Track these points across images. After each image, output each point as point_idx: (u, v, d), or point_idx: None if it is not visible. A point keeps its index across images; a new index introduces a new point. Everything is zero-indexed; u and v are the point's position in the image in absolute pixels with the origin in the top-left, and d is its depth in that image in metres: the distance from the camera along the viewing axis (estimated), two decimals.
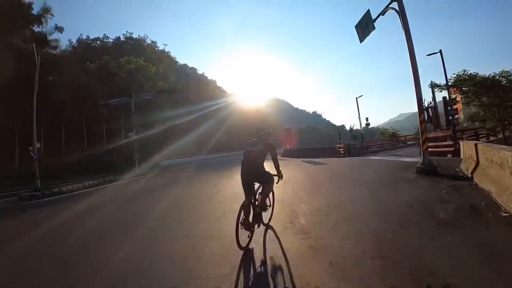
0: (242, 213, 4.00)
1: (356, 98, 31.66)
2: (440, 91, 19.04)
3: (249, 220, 4.07)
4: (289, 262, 3.32)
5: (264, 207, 4.53)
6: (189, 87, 61.14)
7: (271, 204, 5.07)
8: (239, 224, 3.89)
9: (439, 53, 19.43)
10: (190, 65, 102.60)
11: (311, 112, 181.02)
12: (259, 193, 4.46)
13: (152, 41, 79.26)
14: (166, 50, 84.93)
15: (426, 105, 17.11)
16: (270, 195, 4.86)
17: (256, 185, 4.46)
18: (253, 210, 4.26)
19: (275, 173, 4.39)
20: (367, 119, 30.30)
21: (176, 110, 43.40)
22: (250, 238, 4.11)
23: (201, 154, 41.01)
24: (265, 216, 4.71)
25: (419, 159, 9.58)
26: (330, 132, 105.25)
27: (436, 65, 21.43)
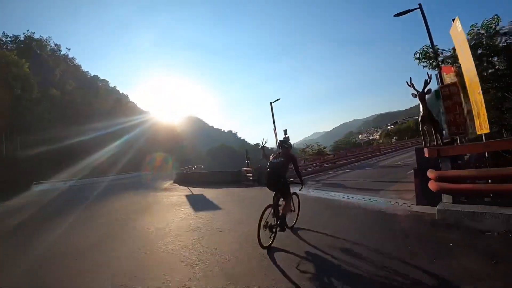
0: (265, 215, 4.43)
1: (271, 103, 24.47)
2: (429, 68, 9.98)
3: (272, 223, 4.51)
4: None
5: (286, 211, 4.79)
6: (97, 100, 55.23)
7: (296, 209, 5.44)
8: (261, 225, 4.30)
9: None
10: (102, 77, 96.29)
11: (226, 130, 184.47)
12: (282, 200, 4.81)
13: (56, 44, 75.53)
14: (70, 56, 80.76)
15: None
16: (296, 200, 5.40)
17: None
18: (278, 214, 4.67)
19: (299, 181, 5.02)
20: (285, 131, 21.51)
21: (77, 125, 38.39)
22: (273, 238, 4.50)
23: (108, 174, 36.93)
24: (290, 220, 5.15)
25: (409, 205, 6.13)
26: (242, 151, 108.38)
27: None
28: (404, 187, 8.10)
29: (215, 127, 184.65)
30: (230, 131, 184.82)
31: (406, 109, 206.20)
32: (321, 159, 21.17)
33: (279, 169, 4.72)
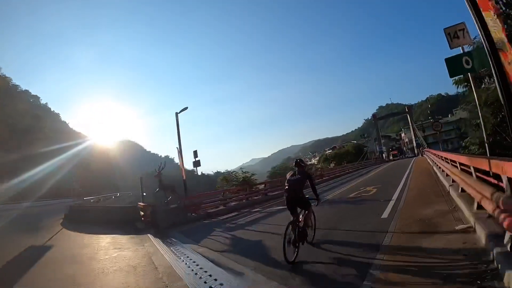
0: (288, 231, 4.78)
1: (176, 114, 17.82)
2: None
3: (294, 238, 4.84)
4: None
5: (307, 225, 5.29)
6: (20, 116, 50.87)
7: (312, 224, 5.64)
8: (286, 242, 4.64)
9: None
10: (33, 93, 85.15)
11: (163, 156, 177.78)
12: (302, 215, 5.26)
13: None
14: None
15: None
16: (311, 216, 5.56)
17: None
18: (298, 229, 4.97)
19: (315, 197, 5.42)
20: (195, 153, 18.26)
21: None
22: (297, 253, 4.78)
23: (28, 200, 33.00)
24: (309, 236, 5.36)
25: None
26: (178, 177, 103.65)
27: None
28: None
29: (152, 151, 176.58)
30: (167, 156, 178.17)
31: (343, 134, 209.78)
32: (247, 190, 17.67)
33: (297, 186, 5.20)
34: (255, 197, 16.56)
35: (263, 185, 19.62)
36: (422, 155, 48.01)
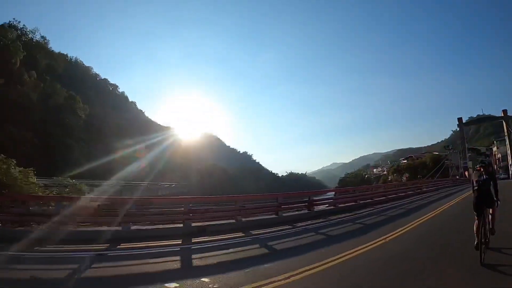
0: (479, 234, 4.96)
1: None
2: None
3: (485, 240, 5.05)
4: None
5: (495, 220, 5.61)
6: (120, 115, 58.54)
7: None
8: (481, 245, 4.83)
9: None
10: (112, 81, 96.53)
11: (241, 151, 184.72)
12: (487, 216, 5.30)
13: (42, 36, 63.99)
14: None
15: None
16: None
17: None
18: (485, 232, 5.08)
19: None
20: None
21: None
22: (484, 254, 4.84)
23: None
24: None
25: None
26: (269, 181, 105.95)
27: None
28: None
29: (231, 146, 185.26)
30: (245, 152, 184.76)
31: (427, 146, 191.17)
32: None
33: (487, 186, 5.24)
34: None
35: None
36: None
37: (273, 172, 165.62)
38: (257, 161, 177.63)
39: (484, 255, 4.77)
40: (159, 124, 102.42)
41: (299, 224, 10.33)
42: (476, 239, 4.98)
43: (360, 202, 16.05)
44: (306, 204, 13.32)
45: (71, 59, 78.51)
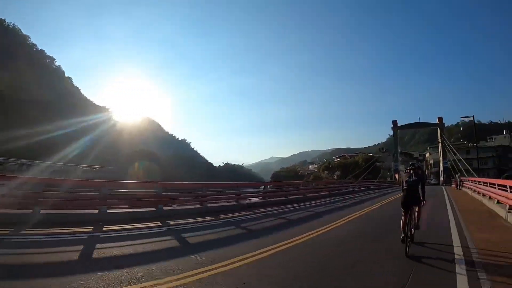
0: (405, 229, 5.53)
1: None
2: None
3: (410, 234, 5.53)
4: None
5: (418, 227, 6.15)
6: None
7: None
8: (407, 238, 5.37)
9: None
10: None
11: (180, 138, 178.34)
12: (413, 214, 5.82)
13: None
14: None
15: None
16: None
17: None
18: (411, 227, 5.61)
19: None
20: None
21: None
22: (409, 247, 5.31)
23: None
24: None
25: None
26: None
27: None
28: None
29: (170, 132, 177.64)
30: (184, 140, 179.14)
31: (365, 147, 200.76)
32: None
33: (416, 187, 5.72)
34: None
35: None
36: (459, 187, 30.42)
37: (209, 161, 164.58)
38: (195, 149, 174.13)
39: (409, 248, 5.30)
40: (95, 104, 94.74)
41: (222, 216, 10.08)
42: (403, 233, 5.59)
43: (290, 197, 16.36)
44: (234, 196, 13.26)
45: (8, 24, 74.95)
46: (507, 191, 10.27)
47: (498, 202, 11.42)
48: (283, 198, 16.17)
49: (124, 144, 75.57)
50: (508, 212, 9.24)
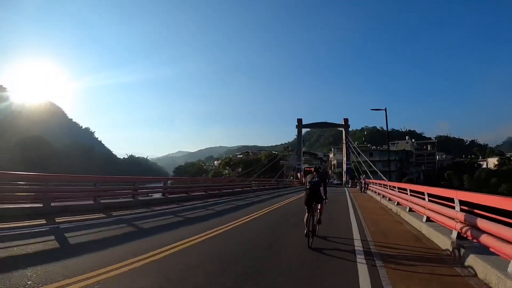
0: (309, 224, 6.01)
1: None
2: None
3: (313, 229, 6.15)
4: None
5: (322, 213, 6.88)
6: None
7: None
8: (309, 232, 5.95)
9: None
10: None
11: (84, 126, 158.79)
12: (316, 210, 6.50)
13: None
14: None
15: None
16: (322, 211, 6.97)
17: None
18: (313, 222, 6.19)
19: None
20: None
21: None
22: (312, 239, 6.08)
23: None
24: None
25: None
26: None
27: None
28: None
29: (73, 120, 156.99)
30: (87, 128, 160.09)
31: (271, 146, 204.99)
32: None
33: (318, 187, 6.28)
34: None
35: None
36: (363, 190, 28.27)
37: (114, 153, 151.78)
38: (99, 139, 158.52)
39: (312, 241, 5.95)
40: None
41: (115, 213, 9.51)
42: (306, 228, 5.99)
43: (192, 194, 16.57)
44: (131, 191, 12.84)
45: None
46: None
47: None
48: (185, 194, 16.33)
49: (20, 128, 66.00)
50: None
